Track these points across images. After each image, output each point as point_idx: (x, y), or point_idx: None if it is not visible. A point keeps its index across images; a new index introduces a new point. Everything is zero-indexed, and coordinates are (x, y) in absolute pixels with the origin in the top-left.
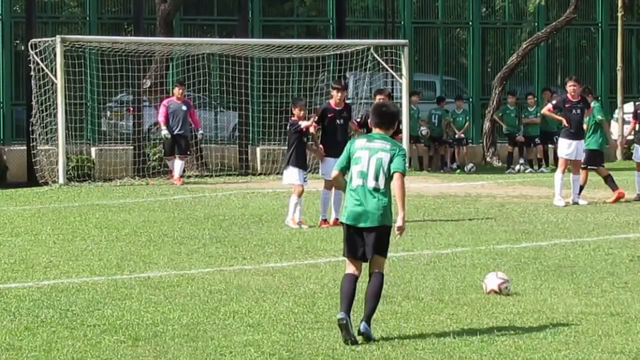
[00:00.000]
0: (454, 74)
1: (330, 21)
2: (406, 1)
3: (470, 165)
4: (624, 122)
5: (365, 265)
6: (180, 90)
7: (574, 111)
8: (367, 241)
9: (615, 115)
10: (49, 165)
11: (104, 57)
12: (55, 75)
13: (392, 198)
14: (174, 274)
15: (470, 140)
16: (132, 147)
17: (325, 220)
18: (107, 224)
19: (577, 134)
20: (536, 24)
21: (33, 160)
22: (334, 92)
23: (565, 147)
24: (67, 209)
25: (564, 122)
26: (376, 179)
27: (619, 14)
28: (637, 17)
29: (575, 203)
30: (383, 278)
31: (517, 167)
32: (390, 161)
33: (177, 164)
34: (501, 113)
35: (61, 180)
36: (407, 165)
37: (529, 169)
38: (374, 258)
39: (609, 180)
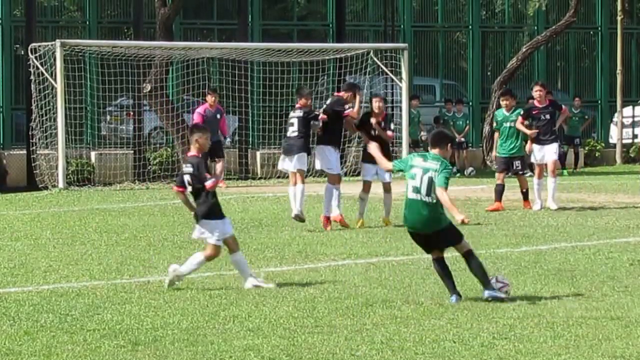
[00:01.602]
0: (454, 77)
1: (330, 25)
2: (406, 5)
3: (470, 169)
4: (623, 125)
5: None
6: (213, 98)
7: (542, 117)
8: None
9: (615, 119)
10: (48, 169)
11: (104, 61)
12: (55, 80)
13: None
14: None
15: (470, 144)
16: (132, 152)
17: (327, 218)
18: (107, 228)
19: (545, 139)
20: (536, 27)
21: (33, 164)
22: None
23: (536, 152)
24: (66, 213)
25: (530, 133)
26: (428, 194)
27: (619, 18)
28: (636, 21)
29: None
30: (473, 252)
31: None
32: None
33: (219, 168)
34: None
35: (61, 184)
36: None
37: (529, 173)
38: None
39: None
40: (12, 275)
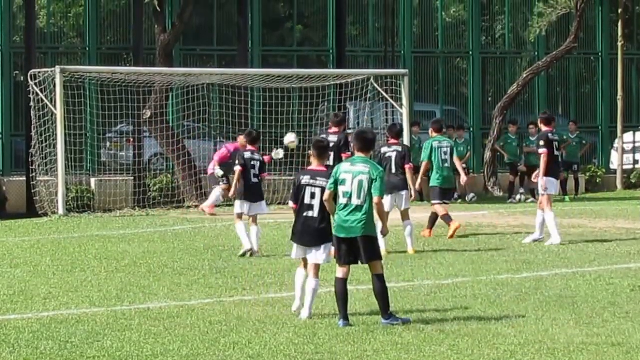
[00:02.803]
0: (455, 103)
1: (330, 51)
2: (406, 31)
3: (472, 195)
4: (624, 151)
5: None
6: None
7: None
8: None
9: (615, 145)
10: (48, 196)
11: (104, 87)
12: (54, 106)
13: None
14: (173, 305)
15: (472, 170)
16: (132, 178)
17: None
18: (107, 255)
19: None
20: (536, 53)
21: (32, 191)
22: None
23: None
24: (66, 240)
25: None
26: (359, 197)
27: (620, 44)
28: (637, 47)
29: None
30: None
31: (518, 196)
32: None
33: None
34: (503, 142)
35: (61, 211)
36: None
37: (530, 199)
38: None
39: (433, 220)
40: (12, 302)
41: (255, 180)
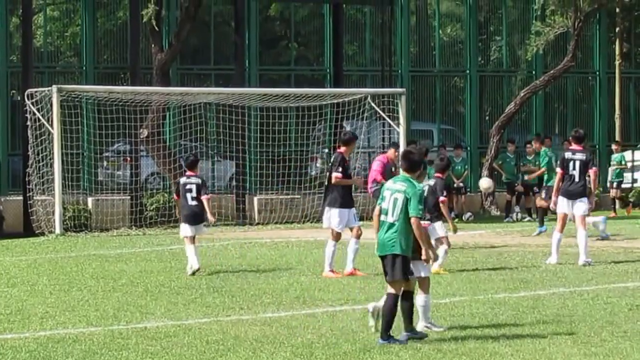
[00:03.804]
0: (452, 122)
1: (327, 70)
2: (403, 50)
3: (469, 214)
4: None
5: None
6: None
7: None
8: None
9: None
10: (45, 215)
11: (101, 106)
12: (51, 125)
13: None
14: (170, 324)
15: (469, 189)
16: (129, 197)
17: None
18: (104, 274)
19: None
20: (534, 72)
21: (29, 210)
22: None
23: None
24: (63, 259)
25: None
26: (392, 215)
27: (617, 62)
28: (635, 65)
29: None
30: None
31: (515, 215)
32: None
33: None
34: (501, 161)
35: (58, 230)
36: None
37: (527, 218)
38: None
39: None
40: (9, 321)
41: (193, 203)
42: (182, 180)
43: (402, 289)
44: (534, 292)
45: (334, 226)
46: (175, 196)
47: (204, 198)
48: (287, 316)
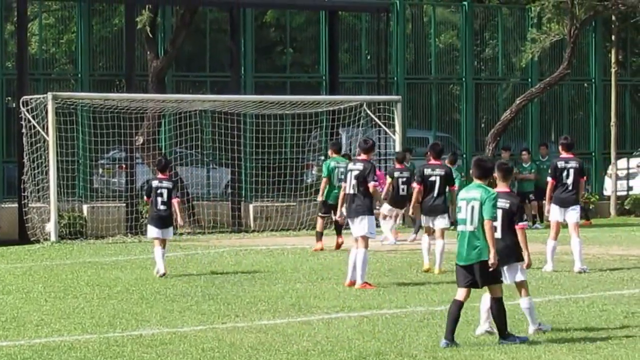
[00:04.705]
0: (448, 129)
1: (323, 77)
2: (399, 57)
3: None
4: (618, 178)
5: None
6: None
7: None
8: None
9: (609, 172)
10: (40, 222)
11: (96, 113)
12: (46, 133)
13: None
14: (166, 331)
15: None
16: (124, 205)
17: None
18: (99, 281)
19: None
20: (530, 79)
21: (24, 217)
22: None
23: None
24: (58, 266)
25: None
26: (472, 223)
27: (613, 70)
28: (630, 73)
29: None
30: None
31: None
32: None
33: None
34: None
35: (53, 237)
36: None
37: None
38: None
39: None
40: (4, 329)
41: (161, 207)
42: (155, 183)
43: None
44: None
45: (369, 234)
46: (146, 198)
47: (174, 201)
48: (283, 324)
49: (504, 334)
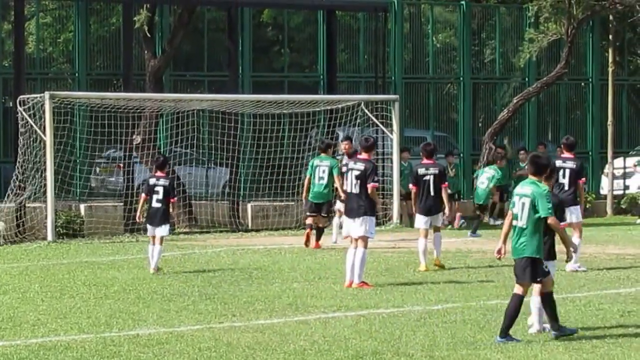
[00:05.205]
0: (445, 129)
1: (321, 76)
2: (397, 56)
3: (462, 221)
4: (614, 177)
5: None
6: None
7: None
8: None
9: (606, 171)
10: (37, 222)
11: (93, 113)
12: (44, 132)
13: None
14: (163, 331)
15: (462, 196)
16: (121, 204)
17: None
18: (96, 281)
19: None
20: (527, 79)
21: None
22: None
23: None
24: (55, 266)
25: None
26: (521, 219)
27: (610, 69)
28: (627, 72)
29: None
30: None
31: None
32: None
33: None
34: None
35: (50, 237)
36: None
37: (500, 221)
38: None
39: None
40: (0, 329)
41: (157, 205)
42: (152, 181)
43: (541, 290)
44: (526, 299)
45: (369, 234)
46: (144, 195)
47: (172, 200)
48: (280, 323)
49: (504, 333)
